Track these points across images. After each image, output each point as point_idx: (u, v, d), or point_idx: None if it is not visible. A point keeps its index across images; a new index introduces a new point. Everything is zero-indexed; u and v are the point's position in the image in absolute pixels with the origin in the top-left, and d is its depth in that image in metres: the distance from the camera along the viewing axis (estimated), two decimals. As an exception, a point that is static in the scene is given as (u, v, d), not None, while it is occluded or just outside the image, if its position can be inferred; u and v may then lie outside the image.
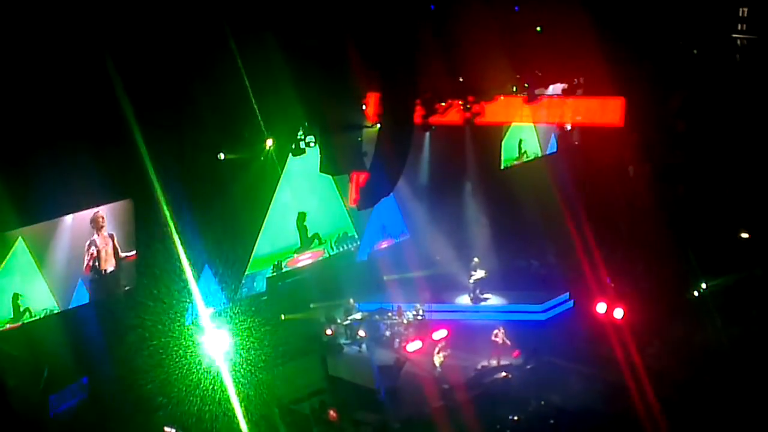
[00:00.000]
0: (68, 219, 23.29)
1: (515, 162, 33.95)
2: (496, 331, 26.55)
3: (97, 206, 23.41)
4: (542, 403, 23.94)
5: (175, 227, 23.59)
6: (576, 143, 33.41)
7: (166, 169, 22.29)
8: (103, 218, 23.73)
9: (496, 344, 26.45)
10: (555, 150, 34.65)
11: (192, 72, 21.47)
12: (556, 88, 29.37)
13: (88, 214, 23.40)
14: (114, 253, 24.09)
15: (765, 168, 30.77)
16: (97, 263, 23.93)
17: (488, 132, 31.02)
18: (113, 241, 24.01)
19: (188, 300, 25.53)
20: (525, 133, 34.03)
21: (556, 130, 33.89)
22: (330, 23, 22.02)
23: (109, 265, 24.12)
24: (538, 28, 27.20)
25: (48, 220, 22.83)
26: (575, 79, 29.00)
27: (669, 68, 30.69)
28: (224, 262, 26.41)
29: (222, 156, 23.62)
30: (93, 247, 23.81)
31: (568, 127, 33.00)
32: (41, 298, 23.47)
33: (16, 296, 22.93)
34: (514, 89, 27.91)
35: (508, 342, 26.50)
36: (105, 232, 23.83)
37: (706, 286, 28.38)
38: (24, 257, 22.88)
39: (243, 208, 25.51)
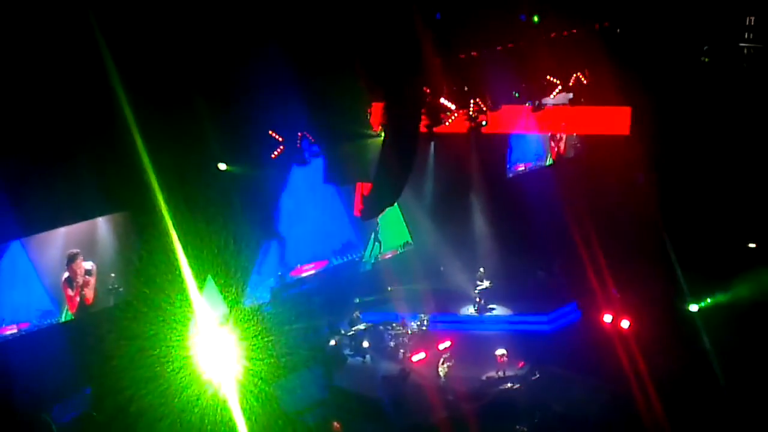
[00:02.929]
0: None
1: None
2: (501, 353, 26.38)
3: (98, 216, 23.48)
4: (548, 413, 23.82)
5: (177, 237, 23.54)
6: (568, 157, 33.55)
7: (167, 179, 22.21)
8: (78, 254, 23.95)
9: (500, 362, 26.33)
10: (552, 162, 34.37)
11: (193, 82, 21.37)
12: (561, 98, 29.28)
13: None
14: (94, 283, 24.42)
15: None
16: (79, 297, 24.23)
17: (494, 141, 30.92)
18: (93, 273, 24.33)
19: (191, 310, 25.46)
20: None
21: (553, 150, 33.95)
22: (335, 33, 21.96)
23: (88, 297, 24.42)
24: (535, 18, 27.18)
25: (47, 231, 22.99)
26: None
27: (676, 77, 30.62)
28: (227, 272, 26.31)
29: (223, 166, 23.46)
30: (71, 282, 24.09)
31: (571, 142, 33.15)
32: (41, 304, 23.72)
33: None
34: (516, 95, 27.88)
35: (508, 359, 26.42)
36: (81, 265, 24.09)
37: (714, 296, 28.24)
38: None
39: (246, 218, 25.41)
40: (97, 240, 24.42)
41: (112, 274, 24.80)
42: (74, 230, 23.81)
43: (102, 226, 24.32)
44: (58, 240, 23.71)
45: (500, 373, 26.11)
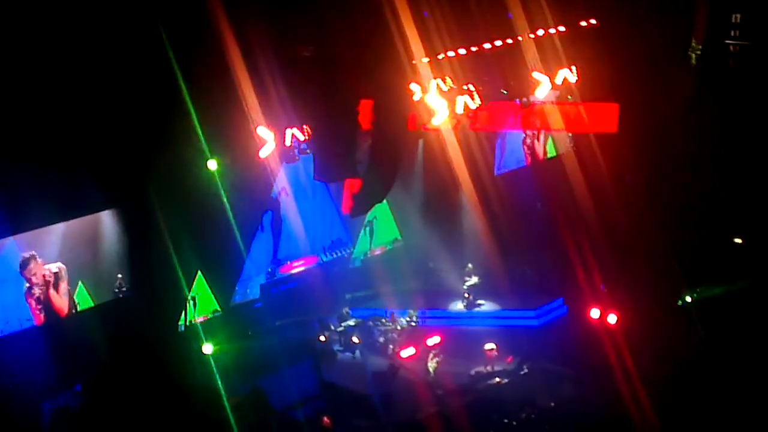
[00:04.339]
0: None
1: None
2: (490, 347, 26.55)
3: (89, 214, 23.43)
4: (536, 408, 23.91)
5: (168, 235, 23.63)
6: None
7: (157, 177, 22.32)
8: (32, 257, 22.82)
9: (489, 356, 26.49)
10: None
11: (182, 79, 21.46)
12: (550, 95, 29.43)
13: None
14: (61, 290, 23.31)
15: (760, 173, 30.80)
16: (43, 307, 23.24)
17: (482, 137, 31.03)
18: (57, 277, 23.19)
19: (182, 307, 25.54)
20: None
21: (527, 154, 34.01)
22: (324, 32, 22.09)
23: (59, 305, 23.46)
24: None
25: (39, 228, 22.74)
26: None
27: (663, 74, 30.72)
28: (217, 269, 26.42)
29: (213, 164, 23.50)
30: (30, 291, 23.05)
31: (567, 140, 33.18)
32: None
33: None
34: (504, 92, 28.05)
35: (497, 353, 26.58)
36: (42, 270, 22.98)
37: (700, 291, 28.35)
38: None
39: (236, 216, 25.48)
40: (98, 238, 24.18)
41: (119, 275, 24.55)
42: (73, 227, 23.60)
43: (101, 223, 24.05)
44: (54, 237, 23.35)
45: (489, 368, 26.25)
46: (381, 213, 31.09)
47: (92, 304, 24.47)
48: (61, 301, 23.45)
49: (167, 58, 21.27)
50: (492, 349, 26.43)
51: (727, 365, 24.72)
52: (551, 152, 34.30)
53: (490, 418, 23.54)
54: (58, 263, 23.24)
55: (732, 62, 32.04)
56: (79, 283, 24.14)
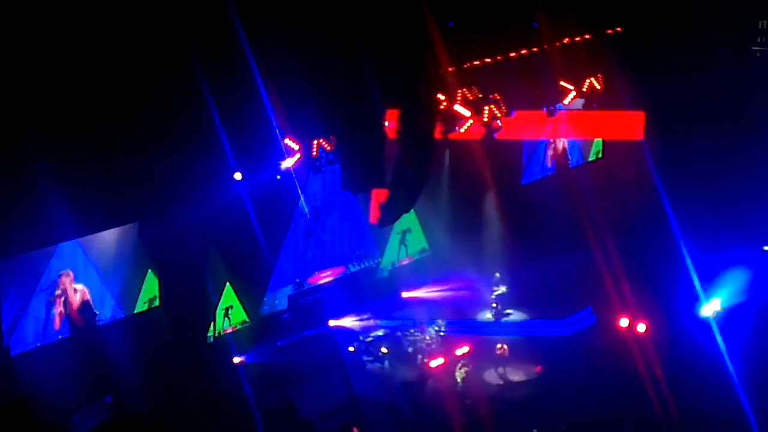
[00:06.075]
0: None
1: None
2: (500, 346, 26.56)
3: (117, 226, 23.59)
4: (564, 417, 23.84)
5: (198, 247, 23.75)
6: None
7: (186, 190, 22.41)
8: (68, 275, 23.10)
9: (502, 357, 26.47)
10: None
11: (208, 91, 21.57)
12: (575, 103, 29.40)
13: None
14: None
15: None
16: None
17: (508, 146, 31.01)
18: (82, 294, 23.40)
19: (212, 318, 25.64)
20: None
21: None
22: (350, 41, 22.14)
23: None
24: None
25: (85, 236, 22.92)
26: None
27: (687, 81, 30.66)
28: (246, 280, 26.49)
29: (239, 176, 23.61)
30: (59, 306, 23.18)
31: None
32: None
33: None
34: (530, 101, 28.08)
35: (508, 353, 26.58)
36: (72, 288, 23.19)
37: (728, 298, 28.22)
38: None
39: (263, 227, 25.58)
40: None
41: None
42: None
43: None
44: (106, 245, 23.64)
45: (500, 370, 26.24)
46: (411, 223, 31.07)
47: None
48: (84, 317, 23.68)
49: (195, 72, 21.40)
50: (502, 348, 26.41)
51: (757, 374, 24.63)
52: (595, 154, 34.25)
53: (518, 427, 23.50)
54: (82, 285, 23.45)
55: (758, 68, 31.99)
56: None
